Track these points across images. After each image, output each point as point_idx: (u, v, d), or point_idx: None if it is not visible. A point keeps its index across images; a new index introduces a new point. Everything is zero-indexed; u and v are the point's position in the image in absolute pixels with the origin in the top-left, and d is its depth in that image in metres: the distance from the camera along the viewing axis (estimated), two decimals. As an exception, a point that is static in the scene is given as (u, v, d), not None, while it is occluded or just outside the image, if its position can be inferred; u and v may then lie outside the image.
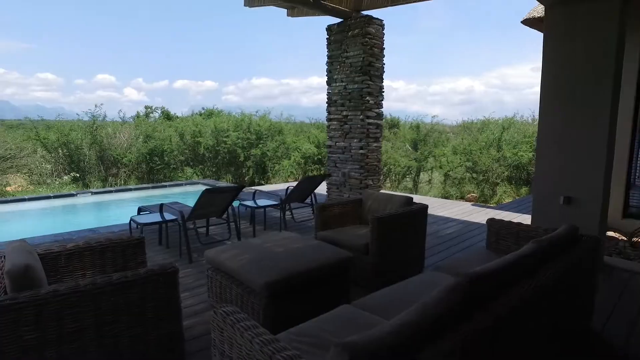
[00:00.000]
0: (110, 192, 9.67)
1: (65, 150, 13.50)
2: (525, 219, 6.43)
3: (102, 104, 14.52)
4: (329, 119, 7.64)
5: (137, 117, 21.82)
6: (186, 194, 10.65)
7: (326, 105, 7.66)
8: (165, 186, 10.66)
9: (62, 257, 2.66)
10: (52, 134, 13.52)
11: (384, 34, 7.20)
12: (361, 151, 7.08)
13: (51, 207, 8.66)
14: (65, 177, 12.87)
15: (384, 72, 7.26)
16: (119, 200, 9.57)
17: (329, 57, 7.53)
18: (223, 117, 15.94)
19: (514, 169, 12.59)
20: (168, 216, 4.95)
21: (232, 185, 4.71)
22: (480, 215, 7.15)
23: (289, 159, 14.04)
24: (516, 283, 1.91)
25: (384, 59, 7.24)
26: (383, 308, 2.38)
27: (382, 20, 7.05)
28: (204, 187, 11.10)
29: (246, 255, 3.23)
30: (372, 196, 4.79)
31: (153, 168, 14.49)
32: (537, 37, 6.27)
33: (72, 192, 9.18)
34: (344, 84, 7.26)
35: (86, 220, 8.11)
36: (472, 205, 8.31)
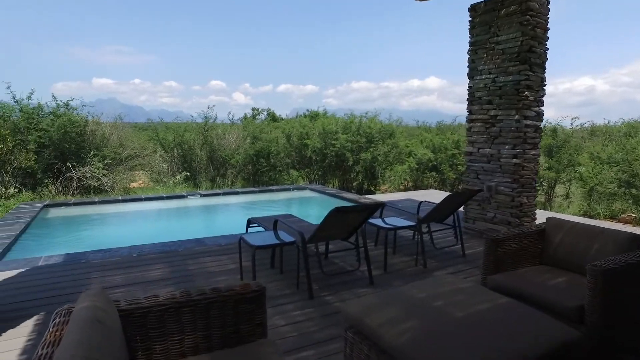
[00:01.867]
0: (218, 194, 9.37)
1: (179, 150, 13.92)
2: None
3: (214, 105, 14.74)
4: (469, 120, 6.22)
5: (245, 118, 22.33)
6: (292, 200, 9.99)
7: (467, 103, 6.26)
8: (272, 190, 10.12)
9: (153, 314, 1.79)
10: (169, 134, 14.04)
11: (548, 9, 5.59)
12: (515, 160, 5.55)
13: (163, 209, 8.57)
14: (178, 176, 13.19)
15: (546, 59, 5.65)
16: (226, 205, 9.24)
17: (472, 43, 6.12)
18: (331, 119, 15.19)
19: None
20: (283, 235, 4.04)
21: (369, 202, 3.62)
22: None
23: (403, 164, 12.72)
24: None
25: (547, 42, 5.63)
26: None
27: (548, -8, 5.45)
28: (311, 193, 10.57)
29: (411, 321, 2.10)
30: (564, 227, 3.35)
31: (259, 170, 14.29)
32: None
33: (183, 193, 9.04)
34: (492, 75, 5.80)
35: (194, 226, 7.81)
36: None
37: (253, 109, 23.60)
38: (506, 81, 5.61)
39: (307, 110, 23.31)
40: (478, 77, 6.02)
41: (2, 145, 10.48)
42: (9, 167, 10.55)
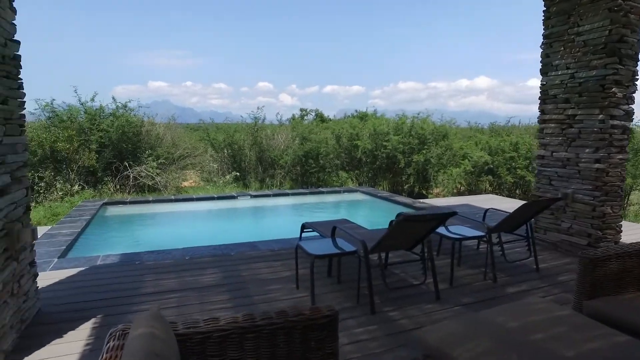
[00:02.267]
0: (268, 196, 9.28)
1: (229, 151, 14.08)
2: None
3: (263, 106, 14.78)
4: (541, 121, 5.66)
5: (293, 119, 22.37)
6: (342, 203, 9.73)
7: (539, 102, 5.70)
8: (322, 192, 9.91)
9: (213, 340, 1.58)
10: (220, 135, 14.24)
11: (642, -6, 4.94)
12: (597, 165, 4.95)
13: (214, 209, 8.60)
14: (228, 176, 13.33)
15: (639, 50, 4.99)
16: (276, 207, 9.14)
17: (546, 36, 5.56)
18: (381, 120, 14.79)
19: None
20: (342, 243, 3.77)
21: (438, 211, 3.27)
22: None
23: (457, 167, 12.09)
24: None
25: None
26: None
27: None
28: (362, 196, 10.22)
29: (508, 361, 1.76)
30: (676, 246, 2.83)
31: (307, 170, 14.16)
32: None
33: (233, 193, 9.04)
34: (570, 71, 5.22)
35: (244, 228, 7.76)
36: None
37: (301, 110, 23.59)
38: (588, 76, 5.02)
39: (356, 111, 22.98)
40: (553, 73, 5.46)
41: (68, 145, 11.04)
42: (74, 166, 11.08)
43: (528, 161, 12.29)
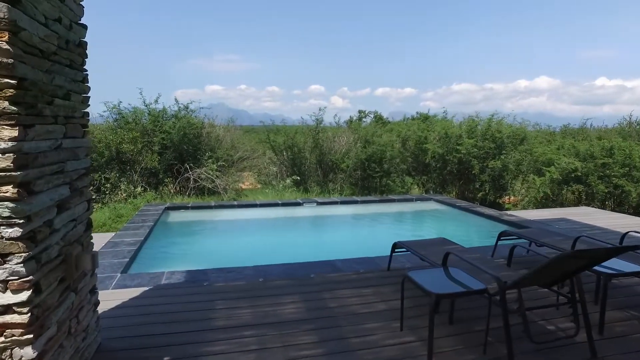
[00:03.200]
0: (335, 203, 8.58)
1: (289, 153, 13.61)
2: None
3: (325, 107, 14.15)
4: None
5: (351, 122, 21.62)
6: (418, 213, 8.82)
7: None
8: (392, 200, 9.05)
9: None
10: (280, 137, 13.80)
11: None
12: None
13: (280, 218, 8.01)
14: (288, 180, 12.83)
15: None
16: (345, 216, 8.40)
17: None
18: (451, 122, 13.70)
19: None
20: (457, 274, 2.96)
21: (619, 247, 2.35)
22: None
23: (541, 175, 10.77)
24: None
25: None
26: None
27: None
28: (437, 205, 8.82)
29: None
30: None
31: (370, 175, 13.38)
32: None
33: (299, 200, 8.42)
34: None
35: (317, 241, 7.07)
36: None
37: (359, 112, 22.81)
38: None
39: (417, 113, 21.89)
40: None
41: (132, 147, 11.03)
42: (137, 167, 11.05)
43: (627, 168, 10.73)
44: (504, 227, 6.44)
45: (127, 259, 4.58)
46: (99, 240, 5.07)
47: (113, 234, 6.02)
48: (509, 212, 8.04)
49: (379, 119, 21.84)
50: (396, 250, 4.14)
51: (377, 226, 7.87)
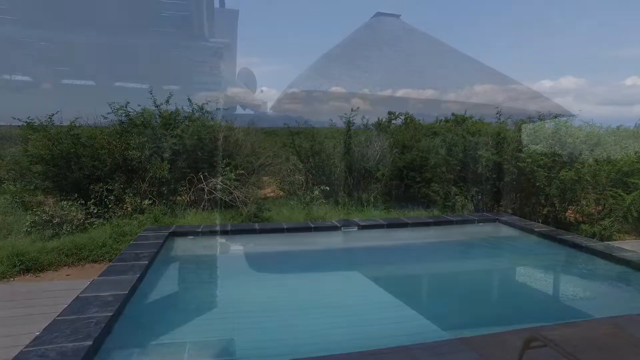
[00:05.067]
0: (381, 226, 6.84)
1: (317, 159, 12.02)
2: None
3: (357, 107, 12.50)
4: None
5: (379, 124, 19.81)
6: (488, 241, 7.04)
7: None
8: (450, 222, 7.29)
9: None
10: (306, 141, 12.21)
11: None
12: None
13: (316, 250, 6.27)
14: (317, 191, 11.21)
15: None
16: (397, 247, 6.64)
17: None
18: (505, 124, 11.85)
19: None
20: None
21: None
22: None
23: (627, 189, 8.85)
24: None
25: None
26: None
27: None
28: (508, 230, 6.45)
29: None
30: None
31: (409, 185, 11.65)
32: None
33: (335, 222, 6.75)
34: None
35: (379, 299, 4.75)
36: None
37: (389, 113, 20.97)
38: None
39: (452, 114, 19.97)
40: None
41: (139, 154, 9.65)
42: (145, 176, 9.66)
43: None
44: (622, 270, 4.67)
45: (90, 342, 2.91)
46: (67, 292, 3.54)
47: (89, 281, 4.32)
48: (623, 247, 6.06)
49: (410, 120, 20.00)
50: (531, 346, 2.45)
51: (441, 258, 6.12)
